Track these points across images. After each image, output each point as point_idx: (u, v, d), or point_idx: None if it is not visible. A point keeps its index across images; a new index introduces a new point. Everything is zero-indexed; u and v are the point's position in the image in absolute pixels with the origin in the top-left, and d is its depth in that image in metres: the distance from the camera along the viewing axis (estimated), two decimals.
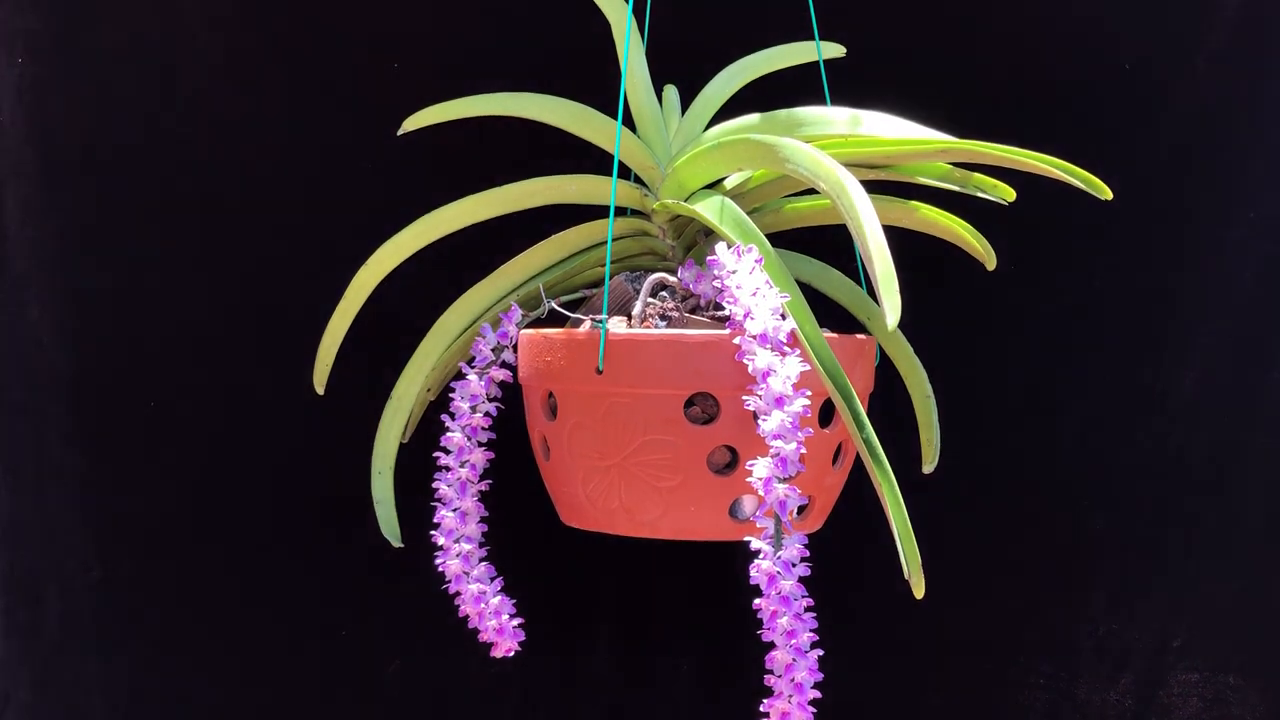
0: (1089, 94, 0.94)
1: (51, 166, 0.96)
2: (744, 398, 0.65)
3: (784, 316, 0.65)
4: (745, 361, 0.65)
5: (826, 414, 0.72)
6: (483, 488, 0.78)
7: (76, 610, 0.98)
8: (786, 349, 0.65)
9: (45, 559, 0.98)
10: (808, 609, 0.64)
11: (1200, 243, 0.95)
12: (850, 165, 0.67)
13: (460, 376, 0.78)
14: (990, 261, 0.76)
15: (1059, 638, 0.98)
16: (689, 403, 0.69)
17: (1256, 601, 0.97)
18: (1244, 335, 0.95)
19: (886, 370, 0.84)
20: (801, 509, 0.73)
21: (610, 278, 0.78)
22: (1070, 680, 0.99)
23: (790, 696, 0.64)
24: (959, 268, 0.79)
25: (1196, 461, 0.96)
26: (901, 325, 0.82)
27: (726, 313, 0.67)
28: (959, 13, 0.94)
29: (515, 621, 0.78)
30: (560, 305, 0.78)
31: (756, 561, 0.63)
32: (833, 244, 0.82)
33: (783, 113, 0.77)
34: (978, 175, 0.72)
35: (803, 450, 0.63)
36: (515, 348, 0.77)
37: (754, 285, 0.66)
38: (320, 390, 0.85)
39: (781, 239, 0.81)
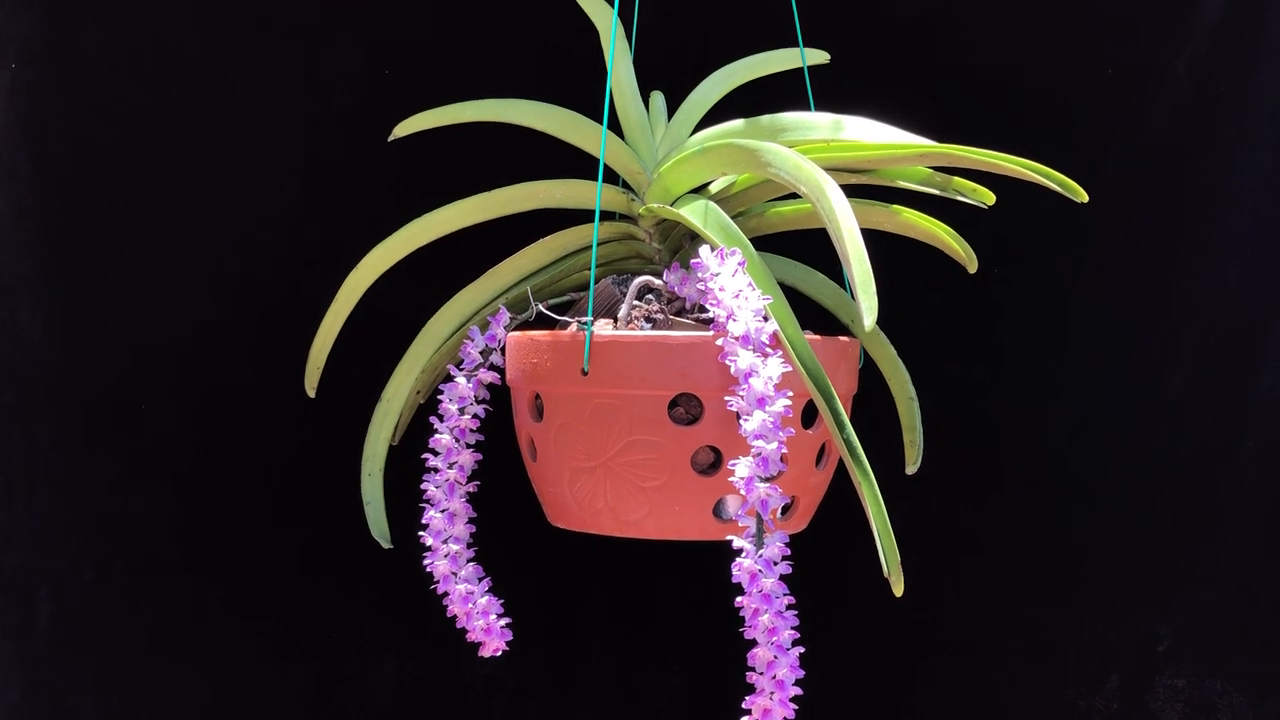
0: (1072, 97, 0.95)
1: (43, 170, 0.96)
2: (726, 398, 0.65)
3: (766, 318, 0.66)
4: (728, 362, 0.65)
5: (810, 415, 0.72)
6: (471, 489, 0.79)
7: (68, 612, 0.98)
8: (769, 350, 0.65)
9: (36, 561, 0.98)
10: (789, 607, 0.64)
11: (1185, 243, 0.95)
12: (832, 169, 0.68)
13: (449, 379, 0.78)
14: (971, 264, 0.77)
15: (1044, 641, 0.99)
16: (673, 403, 0.69)
17: (1243, 606, 0.97)
18: (1230, 336, 0.95)
19: (871, 372, 0.85)
20: (785, 509, 0.74)
21: (597, 281, 0.78)
22: (1055, 684, 0.99)
23: (772, 693, 0.65)
24: (943, 271, 0.80)
25: (1182, 463, 0.96)
26: (885, 327, 0.84)
27: (710, 315, 0.68)
28: (942, 20, 0.95)
29: (503, 621, 0.79)
30: (548, 308, 0.79)
31: (738, 560, 0.64)
32: (817, 247, 0.82)
33: (766, 118, 0.78)
34: (958, 179, 0.73)
35: (784, 450, 0.64)
36: (503, 350, 0.78)
37: (737, 287, 0.67)
38: (311, 393, 0.86)
39: (766, 242, 0.81)
